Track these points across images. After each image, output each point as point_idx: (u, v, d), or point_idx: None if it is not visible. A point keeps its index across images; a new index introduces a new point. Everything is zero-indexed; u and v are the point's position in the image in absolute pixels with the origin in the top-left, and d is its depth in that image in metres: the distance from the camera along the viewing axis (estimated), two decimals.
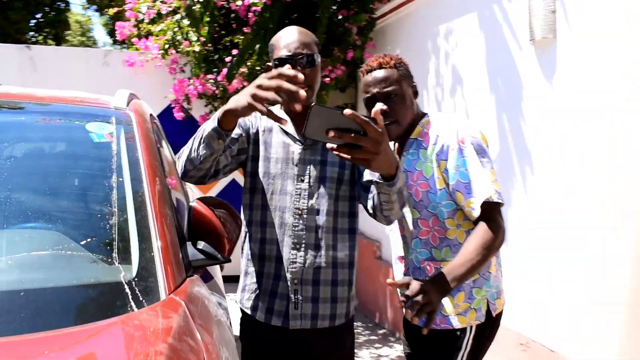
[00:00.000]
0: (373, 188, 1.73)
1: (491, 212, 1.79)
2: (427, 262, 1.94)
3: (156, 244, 1.38)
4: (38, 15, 13.42)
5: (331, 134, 1.25)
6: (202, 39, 4.89)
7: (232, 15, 5.13)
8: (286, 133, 1.97)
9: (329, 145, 1.31)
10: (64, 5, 13.85)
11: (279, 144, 1.97)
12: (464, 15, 3.98)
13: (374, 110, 1.37)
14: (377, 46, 5.40)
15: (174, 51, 4.76)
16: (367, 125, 1.27)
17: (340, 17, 5.03)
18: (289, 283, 1.89)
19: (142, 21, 4.59)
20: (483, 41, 3.73)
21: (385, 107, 1.88)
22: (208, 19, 4.78)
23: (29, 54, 5.99)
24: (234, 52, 4.92)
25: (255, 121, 2.01)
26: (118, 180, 1.57)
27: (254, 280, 1.95)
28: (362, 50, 5.21)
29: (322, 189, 1.93)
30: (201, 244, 1.58)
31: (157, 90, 5.81)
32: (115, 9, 4.47)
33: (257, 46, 4.89)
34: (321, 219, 1.92)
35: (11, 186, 1.53)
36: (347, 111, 1.24)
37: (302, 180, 1.93)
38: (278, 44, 1.88)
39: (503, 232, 1.79)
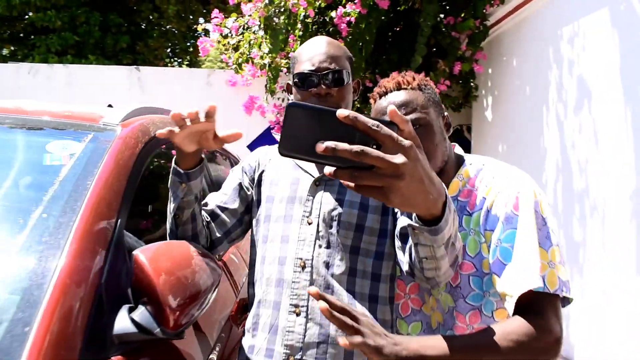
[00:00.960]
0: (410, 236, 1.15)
1: (541, 305, 1.13)
2: None
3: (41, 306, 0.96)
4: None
5: (320, 146, 0.74)
6: (283, 53, 4.53)
7: (330, 28, 4.75)
8: (300, 167, 1.54)
9: (326, 170, 0.78)
10: (202, 33, 14.50)
11: (287, 180, 1.53)
12: (593, 12, 3.23)
13: (389, 110, 0.79)
14: (490, 57, 4.71)
15: (247, 65, 4.45)
16: (376, 132, 0.76)
17: (446, 24, 4.43)
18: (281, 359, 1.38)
19: (226, 36, 4.36)
20: (617, 43, 2.95)
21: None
22: (300, 32, 4.42)
23: (137, 75, 6.08)
24: None
25: (264, 158, 1.62)
26: (37, 217, 1.19)
27: (245, 356, 1.46)
28: (471, 62, 4.55)
29: (334, 237, 1.43)
30: (138, 312, 1.13)
31: (267, 110, 5.58)
32: (204, 25, 4.26)
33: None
34: (331, 277, 1.40)
35: None
36: (342, 111, 0.74)
37: (309, 223, 1.44)
38: (300, 57, 1.49)
39: (555, 340, 1.08)
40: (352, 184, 0.77)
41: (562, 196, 3.58)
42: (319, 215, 1.43)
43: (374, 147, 0.75)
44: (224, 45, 4.33)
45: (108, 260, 1.19)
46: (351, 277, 1.40)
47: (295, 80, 1.47)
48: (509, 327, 1.07)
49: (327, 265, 1.39)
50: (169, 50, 14.50)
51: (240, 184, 1.60)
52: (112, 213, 1.29)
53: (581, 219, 3.36)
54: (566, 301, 1.19)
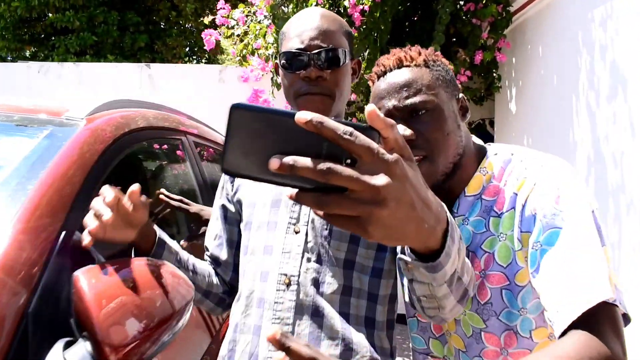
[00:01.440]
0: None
1: (598, 320, 0.84)
2: None
3: None
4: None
5: (274, 162, 0.55)
6: None
7: (344, 19, 4.51)
8: None
9: (288, 193, 0.58)
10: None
11: (268, 188, 1.30)
12: None
13: (368, 110, 0.58)
14: (513, 46, 4.43)
15: (252, 57, 4.22)
16: (350, 143, 0.56)
17: (466, 11, 4.16)
18: None
19: (232, 27, 4.15)
20: None
21: (407, 131, 1.09)
22: None
23: (148, 72, 5.94)
24: None
25: None
26: None
27: None
28: (493, 51, 4.27)
29: (325, 249, 1.20)
30: (74, 348, 0.91)
31: (273, 105, 5.39)
32: (211, 17, 4.05)
33: (367, 52, 4.21)
34: (321, 297, 1.17)
35: None
36: (303, 115, 0.55)
37: (296, 232, 1.22)
38: (289, 32, 1.26)
39: (624, 353, 0.82)
40: (319, 212, 0.58)
41: (595, 193, 3.29)
42: (307, 222, 1.20)
43: (348, 162, 0.56)
44: (229, 37, 4.12)
45: (43, 280, 0.98)
46: (345, 296, 1.16)
47: (282, 60, 1.23)
48: (582, 345, 0.79)
49: (317, 283, 1.16)
50: (187, 48, 14.39)
51: (223, 206, 1.40)
52: (54, 223, 1.08)
53: (616, 218, 3.07)
54: (626, 320, 0.91)
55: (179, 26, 13.87)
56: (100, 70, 6.14)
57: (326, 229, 1.20)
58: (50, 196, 1.11)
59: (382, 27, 4.12)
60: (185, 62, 14.23)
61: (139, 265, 1.02)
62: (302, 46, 1.21)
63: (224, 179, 1.42)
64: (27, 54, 14.04)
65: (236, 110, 0.56)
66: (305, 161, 0.53)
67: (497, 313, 1.11)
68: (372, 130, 0.58)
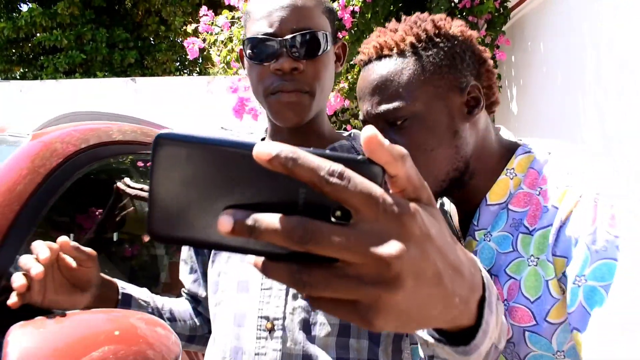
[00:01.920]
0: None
1: None
2: None
3: None
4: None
5: (224, 223, 0.36)
6: None
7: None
8: None
9: (250, 259, 0.39)
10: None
11: None
12: None
13: (364, 136, 0.38)
14: (513, 43, 4.24)
15: (237, 64, 4.01)
16: (340, 191, 0.36)
17: (461, 8, 3.97)
18: None
19: (217, 34, 3.93)
20: None
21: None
22: None
23: (134, 86, 5.75)
24: None
25: None
26: None
27: None
28: (492, 49, 4.08)
29: None
30: None
31: (263, 114, 5.20)
32: (194, 25, 3.86)
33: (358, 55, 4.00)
34: (313, 343, 0.92)
35: None
36: (265, 149, 0.36)
37: None
38: (254, 13, 0.97)
39: None
40: (302, 293, 0.39)
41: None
42: None
43: (338, 214, 0.38)
44: (213, 43, 3.91)
45: None
46: (342, 337, 0.92)
47: (247, 49, 0.97)
48: None
49: (307, 326, 0.92)
50: (177, 63, 14.23)
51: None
52: None
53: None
54: None
55: (168, 40, 13.72)
56: (84, 87, 5.95)
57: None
58: None
59: (374, 29, 3.92)
60: (176, 76, 14.10)
61: (95, 317, 0.80)
62: (271, 30, 0.93)
63: None
64: (17, 74, 13.89)
65: (163, 142, 0.37)
66: (271, 220, 0.35)
67: (520, 357, 0.88)
68: (373, 164, 0.38)
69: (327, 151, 0.38)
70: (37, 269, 0.81)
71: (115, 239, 1.84)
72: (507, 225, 0.91)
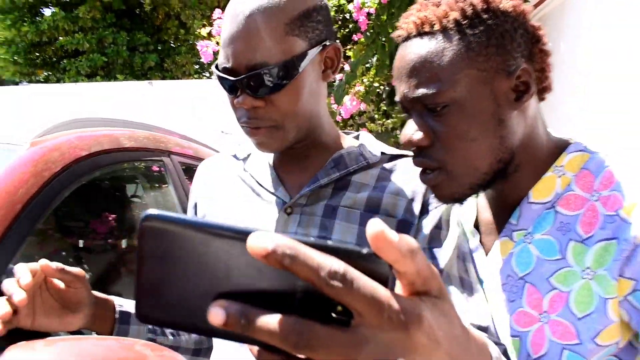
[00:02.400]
0: None
1: None
2: None
3: None
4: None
5: (216, 316, 0.34)
6: None
7: (350, 25, 4.29)
8: (259, 185, 0.99)
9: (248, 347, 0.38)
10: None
11: (239, 211, 0.98)
12: None
13: (370, 232, 0.35)
14: None
15: None
16: (342, 293, 0.34)
17: None
18: None
19: None
20: None
21: (417, 135, 0.81)
22: None
23: (150, 89, 5.79)
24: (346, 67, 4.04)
25: (199, 186, 1.10)
26: None
27: None
28: None
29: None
30: None
31: None
32: (208, 29, 3.84)
33: (374, 58, 3.96)
34: None
35: None
36: (260, 242, 0.33)
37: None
38: (221, 35, 0.88)
39: None
40: None
41: None
42: None
43: (339, 309, 0.35)
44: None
45: None
46: None
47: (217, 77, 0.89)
48: None
49: None
50: (196, 65, 14.33)
51: None
52: None
53: None
54: None
55: (187, 44, 13.83)
56: (102, 89, 6.01)
57: None
58: None
59: (391, 30, 3.87)
60: (190, 79, 14.21)
61: (113, 346, 0.74)
62: (228, 65, 0.84)
63: (190, 205, 1.13)
64: (40, 77, 14.11)
65: (150, 224, 0.36)
66: (266, 321, 0.34)
67: None
68: (380, 261, 0.36)
69: (330, 242, 0.35)
70: (19, 296, 0.76)
71: (124, 246, 1.83)
72: (552, 228, 0.82)
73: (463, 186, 0.82)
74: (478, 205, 0.96)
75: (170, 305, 0.36)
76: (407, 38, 0.83)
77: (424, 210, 0.91)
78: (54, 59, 13.54)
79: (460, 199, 0.84)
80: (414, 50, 0.80)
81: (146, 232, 0.36)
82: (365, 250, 0.36)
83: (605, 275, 0.75)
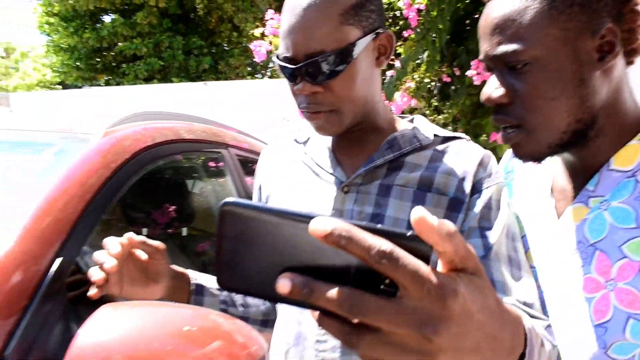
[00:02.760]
0: None
1: None
2: None
3: None
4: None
5: (283, 286, 0.41)
6: None
7: (400, 22, 4.31)
8: (317, 165, 1.06)
9: (314, 314, 0.43)
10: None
11: (298, 189, 1.06)
12: None
13: (414, 217, 0.41)
14: None
15: None
16: (389, 269, 0.40)
17: None
18: None
19: None
20: None
21: (497, 92, 0.82)
22: None
23: (205, 89, 5.97)
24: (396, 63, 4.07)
25: (264, 167, 1.18)
26: None
27: None
28: None
29: None
30: None
31: None
32: (261, 29, 3.95)
33: (425, 54, 3.97)
34: None
35: None
36: (320, 225, 0.40)
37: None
38: (280, 28, 0.95)
39: None
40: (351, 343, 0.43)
41: None
42: None
43: (387, 282, 0.41)
44: (278, 47, 4.02)
45: (25, 320, 0.83)
46: None
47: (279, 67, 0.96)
48: None
49: None
50: (249, 67, 14.60)
51: None
52: (45, 249, 0.94)
53: None
54: None
55: (240, 46, 14.11)
56: (160, 91, 6.23)
57: None
58: (56, 214, 0.97)
59: (441, 26, 3.88)
60: (243, 79, 14.48)
61: (173, 313, 0.81)
62: (288, 54, 0.90)
63: (255, 188, 1.21)
64: (101, 82, 14.68)
65: (228, 209, 0.43)
66: (325, 290, 0.40)
67: (606, 345, 0.80)
68: (421, 242, 0.42)
69: (379, 225, 0.42)
70: (110, 263, 0.86)
71: (185, 234, 1.93)
72: (631, 197, 0.80)
73: (542, 145, 0.83)
74: (554, 172, 0.96)
75: (245, 276, 0.43)
76: None
77: (475, 190, 0.94)
78: (114, 64, 14.08)
79: (539, 158, 0.85)
80: (497, 9, 0.80)
81: (225, 216, 0.43)
82: (409, 233, 0.41)
83: None
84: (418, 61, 4.04)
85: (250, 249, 0.43)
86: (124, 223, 1.55)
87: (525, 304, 0.86)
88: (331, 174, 1.01)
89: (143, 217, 1.70)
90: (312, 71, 0.89)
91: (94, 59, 13.92)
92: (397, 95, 4.08)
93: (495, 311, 0.46)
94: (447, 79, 4.23)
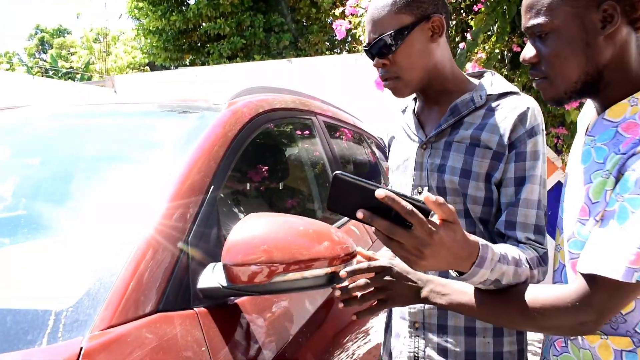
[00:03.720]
0: None
1: (596, 289, 0.97)
2: None
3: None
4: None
5: (359, 214, 0.92)
6: None
7: None
8: (408, 127, 1.46)
9: (359, 214, 0.94)
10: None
11: (399, 146, 1.48)
12: None
13: (423, 197, 0.94)
14: None
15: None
16: (408, 216, 0.91)
17: None
18: (407, 328, 1.39)
19: (361, 15, 4.33)
20: None
21: (529, 53, 1.13)
22: None
23: (289, 66, 6.36)
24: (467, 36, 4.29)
25: (389, 134, 1.61)
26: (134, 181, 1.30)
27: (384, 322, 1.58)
28: None
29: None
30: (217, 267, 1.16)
31: None
32: (340, 9, 4.29)
33: (496, 25, 4.17)
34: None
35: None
36: (381, 192, 0.89)
37: (420, 194, 1.35)
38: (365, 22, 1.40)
39: (593, 321, 0.98)
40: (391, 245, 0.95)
41: None
42: (430, 185, 1.33)
43: (408, 223, 0.91)
44: (357, 24, 4.33)
45: (199, 215, 1.26)
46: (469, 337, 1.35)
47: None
48: (549, 293, 1.07)
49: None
50: (327, 43, 14.92)
51: None
52: (204, 181, 1.35)
53: None
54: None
55: (319, 22, 14.42)
56: (246, 69, 6.69)
57: (440, 190, 1.31)
58: (199, 167, 1.39)
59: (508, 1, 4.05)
60: (326, 56, 14.77)
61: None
62: (367, 41, 1.32)
63: (387, 142, 1.60)
64: (187, 62, 15.44)
65: (337, 178, 0.93)
66: (378, 220, 0.91)
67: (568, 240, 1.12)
68: (426, 206, 0.91)
69: (409, 195, 0.93)
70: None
71: (280, 187, 2.34)
72: (610, 142, 1.06)
73: (559, 91, 1.10)
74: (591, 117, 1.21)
75: (342, 206, 0.94)
76: None
77: (513, 146, 1.25)
78: (199, 44, 14.78)
79: (559, 101, 1.12)
80: None
81: (334, 180, 0.93)
82: (422, 204, 0.91)
83: (613, 175, 1.01)
84: (489, 33, 4.24)
85: (346, 196, 0.93)
86: (239, 182, 1.94)
87: (536, 241, 1.23)
88: (415, 134, 1.39)
89: (250, 176, 2.11)
90: (378, 49, 1.28)
91: (180, 40, 14.61)
92: (469, 66, 4.31)
93: (460, 240, 0.96)
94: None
